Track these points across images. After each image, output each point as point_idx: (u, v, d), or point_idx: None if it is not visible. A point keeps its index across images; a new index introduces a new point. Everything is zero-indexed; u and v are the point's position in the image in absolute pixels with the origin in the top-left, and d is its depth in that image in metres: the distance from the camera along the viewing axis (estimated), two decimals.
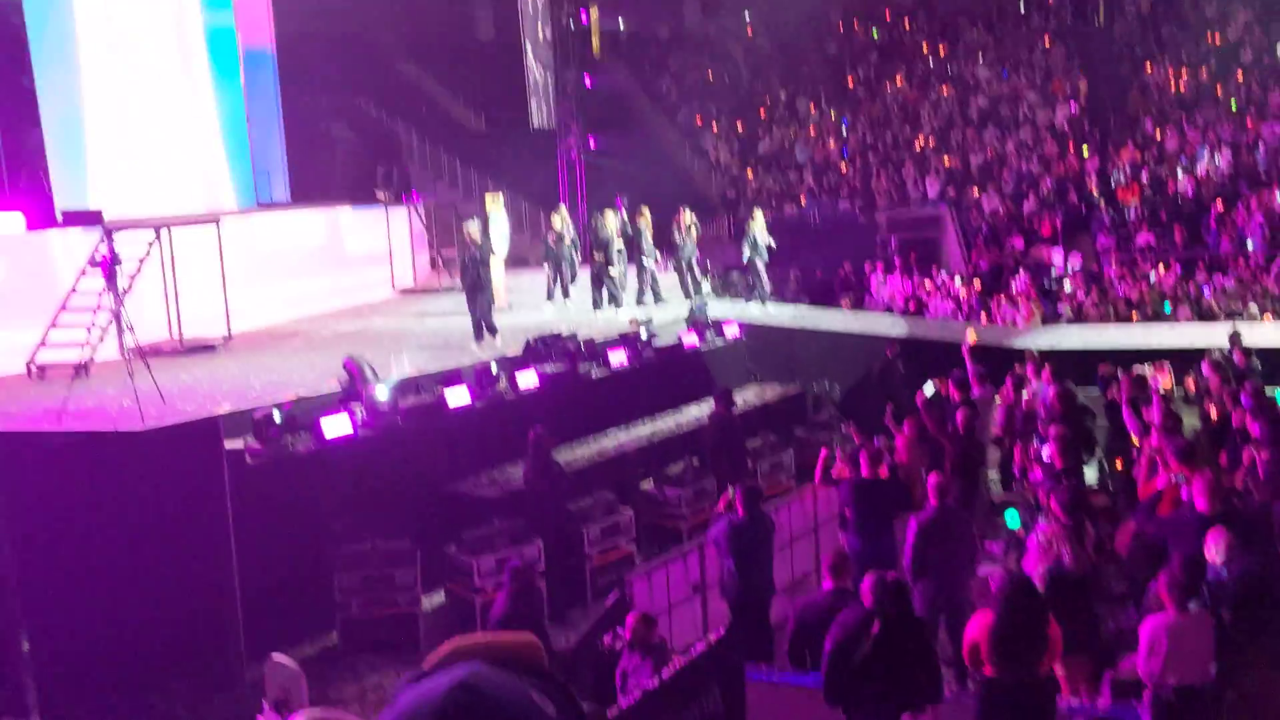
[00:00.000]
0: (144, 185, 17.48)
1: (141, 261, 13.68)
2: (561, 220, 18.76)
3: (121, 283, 12.34)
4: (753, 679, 7.40)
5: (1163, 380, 13.53)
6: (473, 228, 15.41)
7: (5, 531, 9.47)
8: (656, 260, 18.61)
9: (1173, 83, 29.35)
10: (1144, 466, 9.49)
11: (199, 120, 19.27)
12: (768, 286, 18.77)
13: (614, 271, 17.50)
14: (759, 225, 18.41)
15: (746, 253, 18.55)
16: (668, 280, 18.87)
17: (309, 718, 2.40)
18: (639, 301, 18.08)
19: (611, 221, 17.70)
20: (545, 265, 18.62)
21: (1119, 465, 11.78)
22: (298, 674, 6.09)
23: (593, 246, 17.76)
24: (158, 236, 14.06)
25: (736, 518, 9.26)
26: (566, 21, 26.17)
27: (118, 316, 11.58)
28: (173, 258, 14.31)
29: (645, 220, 18.25)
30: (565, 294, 18.40)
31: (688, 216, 18.51)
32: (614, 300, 17.62)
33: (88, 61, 16.49)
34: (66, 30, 16.08)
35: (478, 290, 14.99)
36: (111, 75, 17.03)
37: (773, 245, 18.51)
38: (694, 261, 18.62)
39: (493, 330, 15.00)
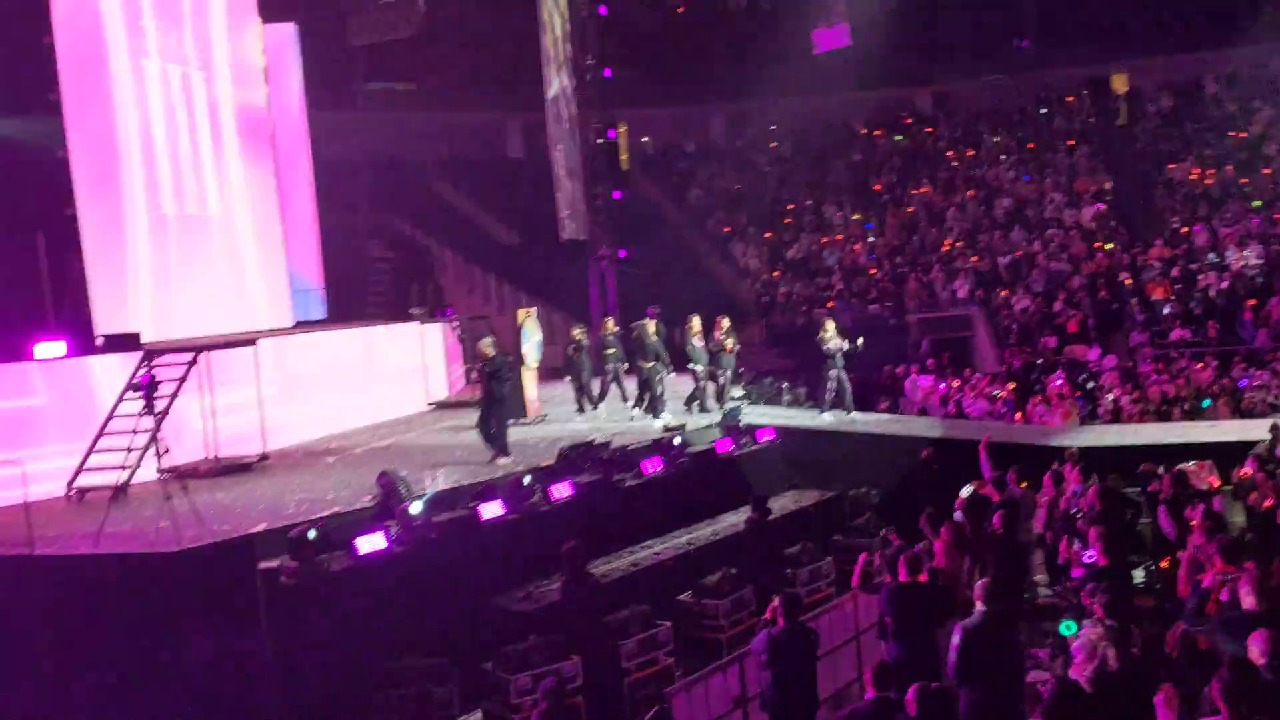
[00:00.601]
0: (183, 308, 17.81)
1: (180, 383, 13.87)
2: (581, 332, 19.09)
3: (159, 404, 12.52)
4: None
5: (1208, 477, 13.30)
6: (486, 344, 15.48)
7: (45, 656, 9.45)
8: (702, 369, 18.60)
9: (1198, 179, 29.49)
10: (1185, 566, 9.28)
11: (238, 243, 19.70)
12: (848, 395, 18.58)
13: (658, 378, 17.63)
14: (830, 333, 18.33)
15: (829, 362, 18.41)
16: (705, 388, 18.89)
17: None
18: (693, 410, 18.10)
19: (653, 329, 17.90)
20: (568, 378, 18.79)
21: (1165, 565, 11.54)
22: None
23: (637, 355, 17.94)
24: (195, 359, 14.27)
25: (776, 628, 9.10)
26: (594, 138, 26.71)
27: (155, 438, 11.71)
28: (210, 378, 14.49)
29: (693, 329, 18.34)
30: (592, 403, 18.50)
31: (726, 324, 18.59)
32: (655, 409, 17.71)
33: (129, 189, 16.95)
34: (107, 159, 16.56)
35: (489, 408, 14.95)
36: (153, 200, 17.48)
37: (852, 347, 18.39)
38: (733, 369, 18.69)
39: (504, 452, 14.82)
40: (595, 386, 19.13)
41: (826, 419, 18.35)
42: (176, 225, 18.02)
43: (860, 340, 18.69)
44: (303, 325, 21.39)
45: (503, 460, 14.59)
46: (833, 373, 18.31)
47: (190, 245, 18.28)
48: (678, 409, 18.12)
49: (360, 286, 27.76)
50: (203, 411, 14.51)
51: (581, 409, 18.48)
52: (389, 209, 30.84)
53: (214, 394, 14.58)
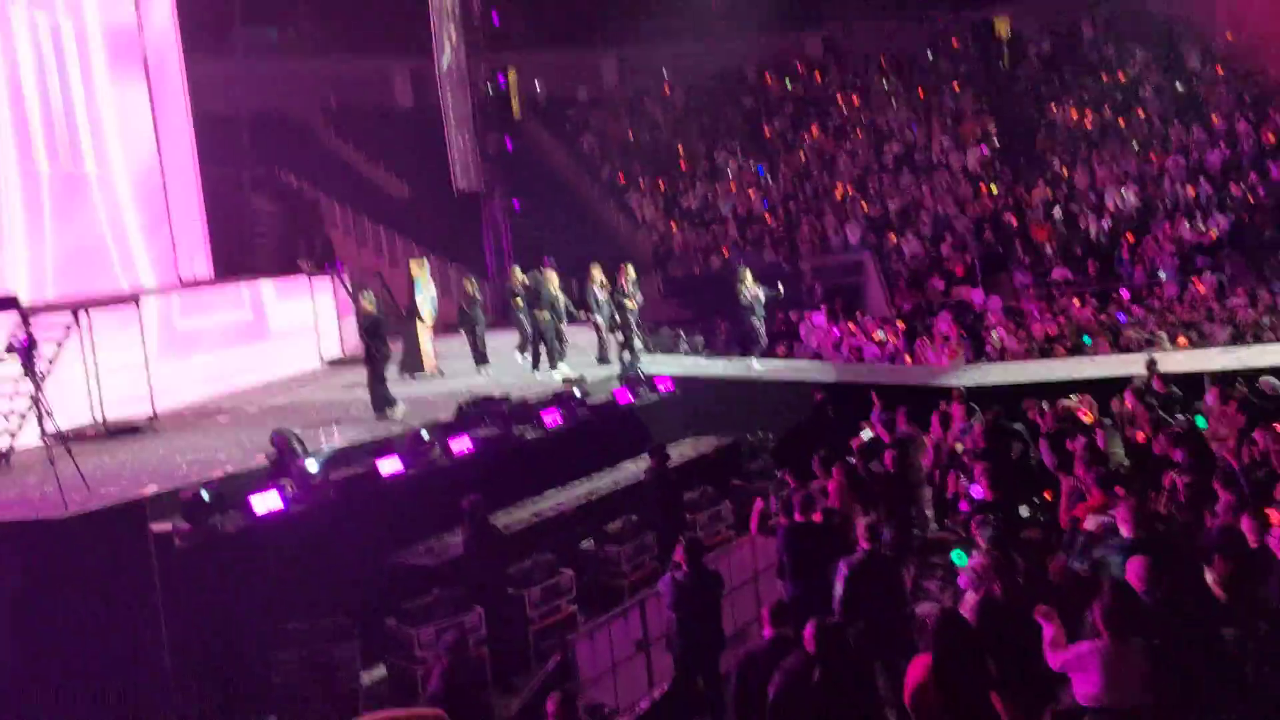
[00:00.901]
0: (62, 267, 17.22)
1: (60, 344, 13.45)
2: (472, 285, 18.92)
3: (40, 368, 12.12)
4: None
5: (1086, 414, 13.83)
6: (366, 299, 15.28)
7: None
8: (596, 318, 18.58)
9: (1078, 121, 30.30)
10: (1065, 497, 9.68)
11: (117, 200, 19.07)
12: (763, 340, 18.96)
13: (556, 330, 17.59)
14: (748, 282, 18.48)
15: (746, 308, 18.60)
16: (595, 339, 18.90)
17: None
18: (601, 360, 18.11)
19: (553, 280, 17.81)
20: (462, 331, 18.63)
21: (1048, 497, 11.99)
22: None
23: (532, 305, 17.79)
24: (76, 319, 13.84)
25: (680, 573, 9.27)
26: (485, 86, 26.36)
27: (37, 402, 11.35)
28: (92, 340, 14.07)
29: (594, 278, 18.24)
30: (483, 359, 18.36)
31: (598, 273, 18.47)
32: (552, 360, 17.66)
33: (1, 144, 16.29)
34: None
35: (371, 362, 14.82)
36: (25, 158, 16.82)
37: (772, 293, 18.68)
38: (637, 319, 18.67)
39: (390, 402, 14.69)
40: (496, 340, 19.00)
41: (758, 367, 18.54)
42: (52, 183, 17.37)
43: (781, 286, 18.93)
44: (188, 282, 20.85)
45: (395, 413, 14.46)
46: (753, 319, 18.48)
47: (67, 203, 17.63)
48: (581, 362, 18.14)
49: (246, 242, 27.07)
50: (86, 373, 14.09)
51: (479, 362, 18.35)
52: (274, 161, 30.08)
53: (97, 355, 14.16)
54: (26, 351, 11.48)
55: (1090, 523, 8.67)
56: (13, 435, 12.46)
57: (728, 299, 23.87)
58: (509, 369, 18.49)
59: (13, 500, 10.53)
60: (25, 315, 13.66)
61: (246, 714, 10.07)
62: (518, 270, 19.18)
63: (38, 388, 11.57)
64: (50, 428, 10.71)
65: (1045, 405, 13.49)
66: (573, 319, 18.42)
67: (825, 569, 9.29)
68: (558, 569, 11.61)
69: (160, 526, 9.98)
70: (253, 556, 10.54)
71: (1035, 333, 21.25)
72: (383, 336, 14.88)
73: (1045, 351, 20.19)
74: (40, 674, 9.18)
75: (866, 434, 12.46)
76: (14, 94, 16.63)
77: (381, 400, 14.64)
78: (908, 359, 20.86)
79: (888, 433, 12.64)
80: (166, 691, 9.45)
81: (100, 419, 14.30)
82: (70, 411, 13.65)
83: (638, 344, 18.49)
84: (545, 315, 17.55)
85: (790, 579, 9.76)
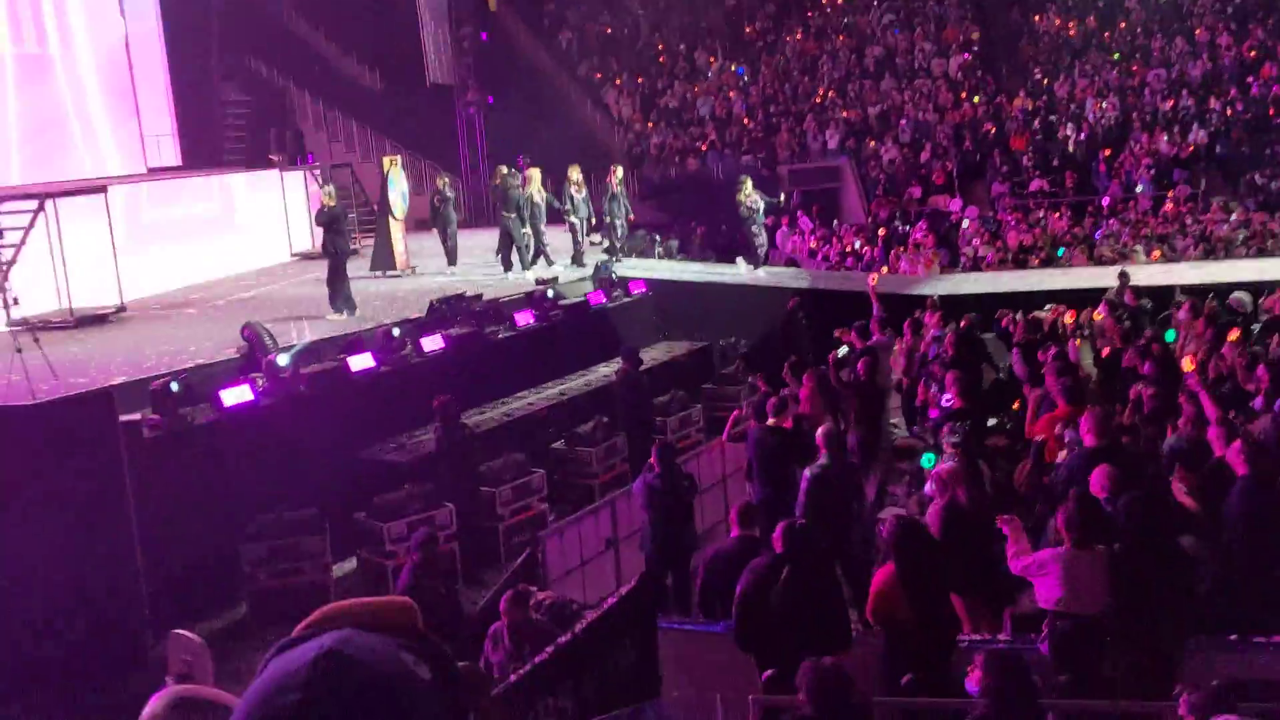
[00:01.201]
0: (26, 153, 16.89)
1: (26, 231, 13.26)
2: (445, 182, 18.64)
3: (5, 255, 11.96)
4: (665, 628, 7.51)
5: (1071, 315, 13.83)
6: (325, 193, 15.07)
7: None
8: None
9: (1060, 29, 29.99)
10: (1033, 406, 9.79)
11: (82, 84, 18.63)
12: (762, 249, 18.92)
13: (523, 231, 17.43)
14: (748, 190, 18.34)
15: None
16: (566, 240, 18.79)
17: (173, 695, 2.38)
18: (550, 262, 18.01)
19: (535, 179, 17.64)
20: (434, 229, 18.42)
21: (1016, 406, 12.12)
22: (201, 647, 6.00)
23: (501, 206, 17.63)
24: (41, 206, 13.61)
25: (653, 475, 9.35)
26: None
27: (2, 290, 11.22)
28: (59, 227, 13.86)
29: (571, 179, 18.05)
30: (454, 258, 18.20)
31: (575, 174, 18.32)
32: (523, 261, 17.56)
33: None
34: None
35: (329, 258, 14.61)
36: None
37: (772, 202, 18.64)
38: (586, 220, 18.51)
39: (347, 302, 14.55)
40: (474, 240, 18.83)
41: (761, 274, 18.48)
42: (14, 66, 16.94)
43: (782, 196, 18.78)
44: (156, 172, 20.51)
45: (346, 315, 14.29)
46: (754, 228, 18.30)
47: (31, 87, 17.23)
48: (556, 264, 18.04)
49: (216, 132, 26.57)
50: (53, 261, 13.91)
51: (452, 261, 18.18)
52: (243, 49, 29.36)
53: (64, 243, 13.96)
54: None
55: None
56: None
57: (703, 202, 23.74)
58: (481, 268, 18.38)
59: None
60: None
61: (217, 604, 10.17)
62: (503, 169, 18.83)
63: (4, 275, 11.44)
64: (16, 315, 10.59)
65: (1018, 315, 13.56)
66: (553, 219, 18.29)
67: (792, 474, 9.41)
68: (529, 468, 11.69)
69: (129, 417, 9.94)
70: (223, 449, 10.55)
71: (1010, 243, 21.28)
72: (341, 231, 14.69)
73: (1020, 262, 20.24)
74: (6, 561, 9.21)
75: (843, 351, 12.46)
76: None
77: (338, 297, 14.48)
78: (883, 269, 20.87)
79: (860, 340, 12.69)
80: (136, 581, 9.50)
81: (68, 308, 14.16)
82: (37, 300, 13.51)
83: (616, 245, 18.41)
84: (511, 216, 17.38)
85: (758, 482, 9.87)
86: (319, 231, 15.82)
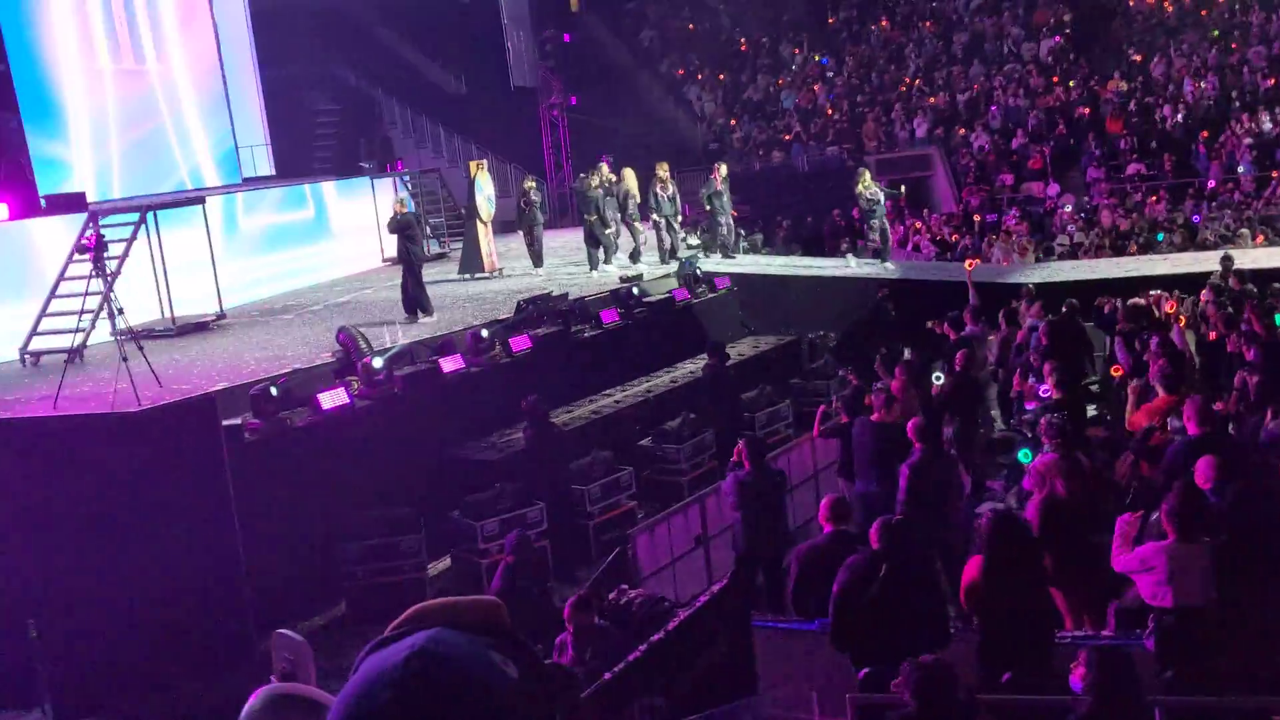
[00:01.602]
0: (127, 166, 17.41)
1: (129, 244, 13.66)
2: (531, 184, 18.69)
3: (110, 266, 12.33)
4: (759, 626, 7.48)
5: (1172, 305, 13.44)
6: (398, 200, 15.23)
7: (7, 518, 9.52)
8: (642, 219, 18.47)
9: (1155, 8, 29.18)
10: (1133, 396, 9.54)
11: (178, 98, 19.15)
12: (888, 241, 18.46)
13: (608, 230, 17.51)
14: (868, 182, 17.92)
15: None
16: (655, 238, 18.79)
17: (270, 692, 2.43)
18: (633, 260, 18.04)
19: (629, 178, 17.70)
20: (520, 230, 18.50)
21: (1118, 396, 11.83)
22: (303, 645, 6.15)
23: (581, 207, 17.74)
24: (143, 218, 14.02)
25: (743, 472, 9.29)
26: None
27: (108, 300, 11.57)
28: (159, 238, 14.27)
29: (660, 176, 18.02)
30: (540, 259, 18.27)
31: (662, 171, 18.27)
32: (607, 258, 17.65)
33: (63, 42, 16.37)
34: (38, 17, 15.94)
35: (406, 266, 14.71)
36: (88, 56, 16.91)
37: (892, 192, 18.34)
38: (673, 218, 18.47)
39: (425, 309, 14.60)
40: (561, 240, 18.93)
41: (852, 265, 18.28)
42: (114, 82, 17.48)
43: (902, 187, 18.44)
44: (251, 181, 21.00)
45: (422, 319, 14.38)
46: (874, 222, 17.94)
47: (130, 102, 17.76)
48: (643, 260, 18.08)
49: (307, 141, 27.15)
50: (155, 272, 14.33)
51: (538, 263, 18.27)
52: (331, 58, 29.95)
53: (165, 254, 14.37)
54: (96, 250, 11.66)
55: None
56: (85, 333, 12.74)
57: (788, 195, 23.56)
58: (566, 268, 18.50)
59: (87, 395, 10.80)
60: (94, 215, 13.89)
61: (317, 602, 10.39)
62: (600, 171, 18.71)
63: (108, 286, 11.79)
64: (121, 325, 10.91)
65: (1119, 303, 13.23)
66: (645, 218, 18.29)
67: (889, 468, 9.29)
68: (617, 466, 11.74)
69: (230, 421, 10.21)
70: (321, 450, 10.78)
71: (1107, 228, 20.78)
72: (414, 237, 14.81)
73: (1118, 248, 19.76)
74: (116, 564, 9.51)
75: (938, 378, 11.99)
76: None
77: (413, 303, 14.61)
78: (973, 260, 20.52)
79: (955, 331, 12.49)
80: (240, 581, 9.75)
81: (170, 316, 14.57)
82: (140, 310, 13.93)
83: (694, 240, 18.34)
84: (592, 218, 17.47)
85: (862, 478, 9.76)
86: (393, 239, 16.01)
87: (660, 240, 18.16)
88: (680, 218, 18.61)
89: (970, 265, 15.18)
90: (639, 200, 17.88)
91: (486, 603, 1.47)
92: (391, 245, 21.29)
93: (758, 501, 9.25)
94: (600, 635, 6.97)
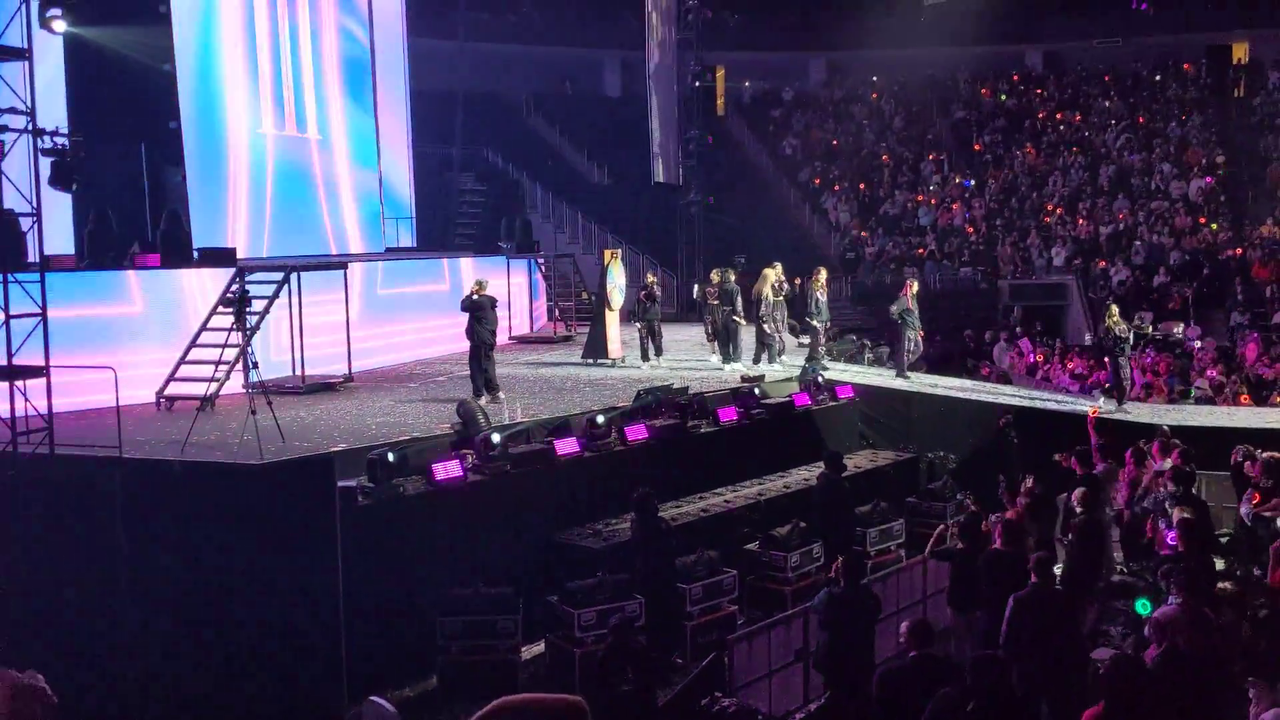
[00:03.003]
0: (278, 228, 18.08)
1: (271, 300, 14.11)
2: (653, 280, 18.94)
3: (251, 321, 12.75)
4: None
5: None
6: (477, 283, 15.36)
7: (127, 554, 9.76)
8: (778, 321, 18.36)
9: None
10: (1274, 556, 9.03)
11: (334, 167, 19.90)
12: (1128, 384, 17.09)
13: (766, 328, 17.60)
14: (1116, 319, 16.70)
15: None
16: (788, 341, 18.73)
17: None
18: (756, 360, 17.96)
19: (770, 277, 17.80)
20: (636, 324, 18.56)
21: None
22: (393, 715, 6.10)
23: (724, 303, 17.91)
24: (287, 278, 14.49)
25: (838, 589, 9.03)
26: (692, 81, 26.45)
27: (245, 353, 11.93)
28: (300, 298, 14.71)
29: (818, 282, 18.03)
30: (658, 351, 18.29)
31: (823, 276, 18.25)
32: (771, 356, 17.72)
33: (232, 106, 17.18)
34: (211, 75, 16.79)
35: (476, 346, 14.77)
36: (254, 120, 17.72)
37: (1138, 333, 17.41)
38: (827, 324, 18.41)
39: (490, 389, 14.61)
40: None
41: (967, 385, 17.71)
42: (275, 145, 18.26)
43: (1150, 327, 17.32)
44: (393, 252, 21.61)
45: (480, 401, 14.32)
46: (1120, 360, 16.55)
47: (288, 167, 18.50)
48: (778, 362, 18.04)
49: (450, 217, 27.97)
50: (292, 330, 14.76)
51: (645, 357, 18.21)
52: (481, 141, 30.92)
53: (303, 314, 14.81)
54: (239, 304, 12.09)
55: None
56: (220, 383, 13.13)
57: (920, 310, 23.23)
58: (689, 362, 18.50)
59: (213, 444, 11.08)
60: (241, 271, 14.42)
61: (411, 672, 10.36)
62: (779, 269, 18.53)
63: (246, 340, 12.18)
64: (254, 378, 11.23)
65: (1259, 453, 12.62)
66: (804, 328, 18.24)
67: (1000, 600, 8.94)
68: (721, 567, 11.53)
69: (346, 483, 10.35)
70: (429, 521, 10.84)
71: (1249, 376, 19.98)
72: (483, 319, 14.85)
73: (1259, 398, 18.95)
74: (219, 611, 9.65)
75: (1077, 506, 11.47)
76: (248, 57, 17.54)
77: (478, 380, 14.65)
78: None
79: (1082, 467, 12.05)
80: (338, 644, 9.79)
81: (300, 374, 14.95)
82: (274, 365, 14.33)
83: (821, 349, 18.22)
84: (724, 309, 17.68)
85: (962, 606, 9.42)
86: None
87: (816, 340, 17.93)
88: (829, 324, 18.60)
89: (1094, 411, 14.73)
90: (772, 301, 17.85)
91: (569, 703, 1.39)
92: (519, 324, 21.73)
93: (846, 622, 8.94)
94: None
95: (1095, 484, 11.31)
